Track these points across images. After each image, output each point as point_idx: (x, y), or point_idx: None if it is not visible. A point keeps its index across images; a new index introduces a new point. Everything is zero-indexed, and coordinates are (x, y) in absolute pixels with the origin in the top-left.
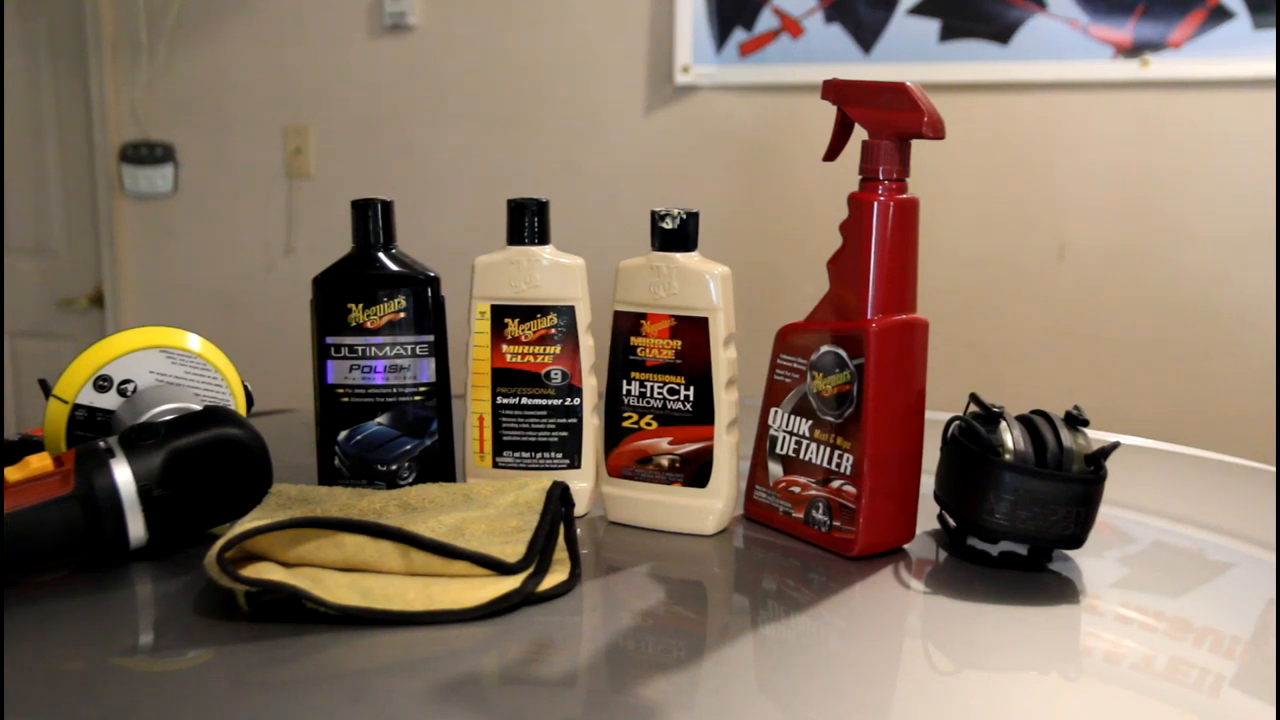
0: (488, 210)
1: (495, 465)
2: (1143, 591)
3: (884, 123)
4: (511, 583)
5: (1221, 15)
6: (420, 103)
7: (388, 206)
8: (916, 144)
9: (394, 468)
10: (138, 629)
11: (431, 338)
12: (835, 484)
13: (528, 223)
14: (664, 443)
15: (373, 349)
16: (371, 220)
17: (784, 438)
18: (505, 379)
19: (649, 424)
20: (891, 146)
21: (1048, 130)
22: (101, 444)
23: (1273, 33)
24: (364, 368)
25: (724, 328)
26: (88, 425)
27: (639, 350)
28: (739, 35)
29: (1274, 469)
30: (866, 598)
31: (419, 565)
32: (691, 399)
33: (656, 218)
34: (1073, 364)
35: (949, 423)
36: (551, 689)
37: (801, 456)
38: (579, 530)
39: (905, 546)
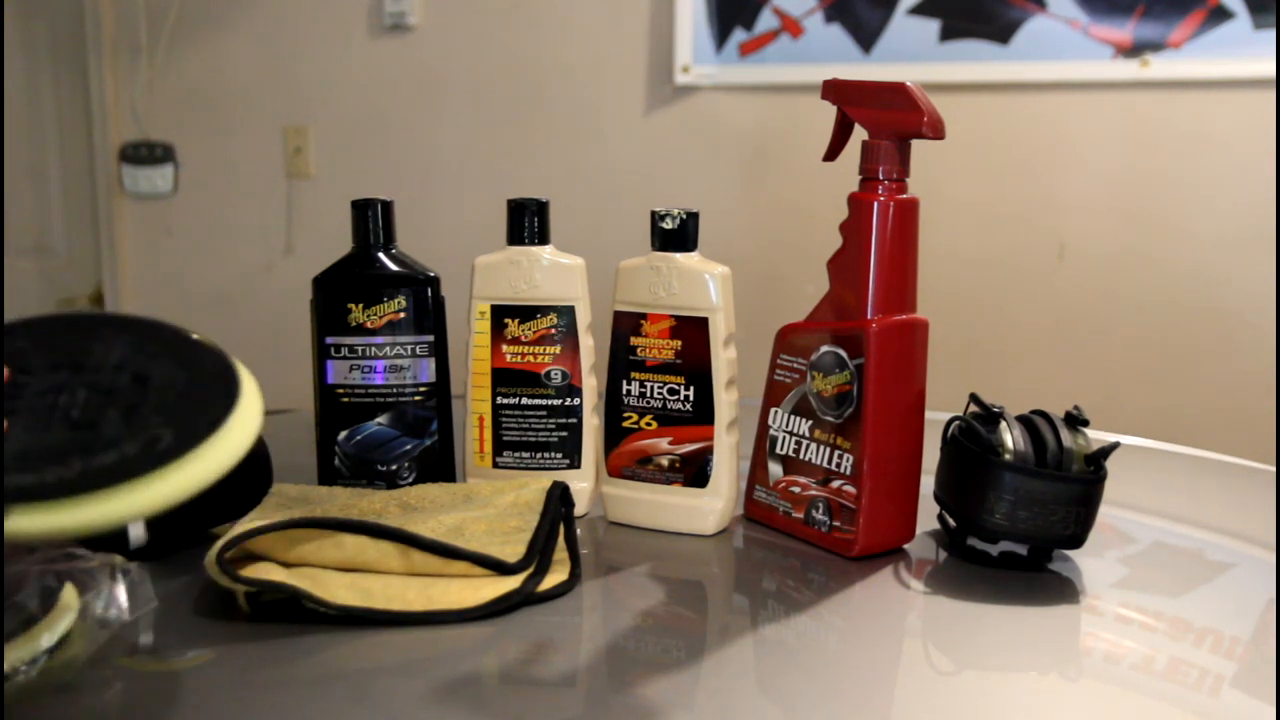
0: (488, 210)
1: (495, 465)
2: (1143, 591)
3: (884, 123)
4: (511, 583)
5: (1221, 15)
6: (420, 103)
7: (388, 206)
8: (916, 144)
9: (394, 468)
10: (138, 629)
11: (431, 338)
12: (835, 484)
13: (528, 223)
14: (664, 443)
15: (373, 349)
16: (371, 220)
17: (784, 438)
18: (505, 379)
19: (649, 424)
20: (891, 146)
21: (1048, 130)
22: None
23: (1273, 33)
24: (364, 368)
25: (724, 328)
26: None
27: (639, 350)
28: (739, 35)
29: (1274, 469)
30: (866, 598)
31: (419, 565)
32: (691, 399)
33: (656, 218)
34: (1073, 364)
35: (949, 423)
36: (551, 689)
37: (801, 456)
38: (579, 530)
39: (905, 546)
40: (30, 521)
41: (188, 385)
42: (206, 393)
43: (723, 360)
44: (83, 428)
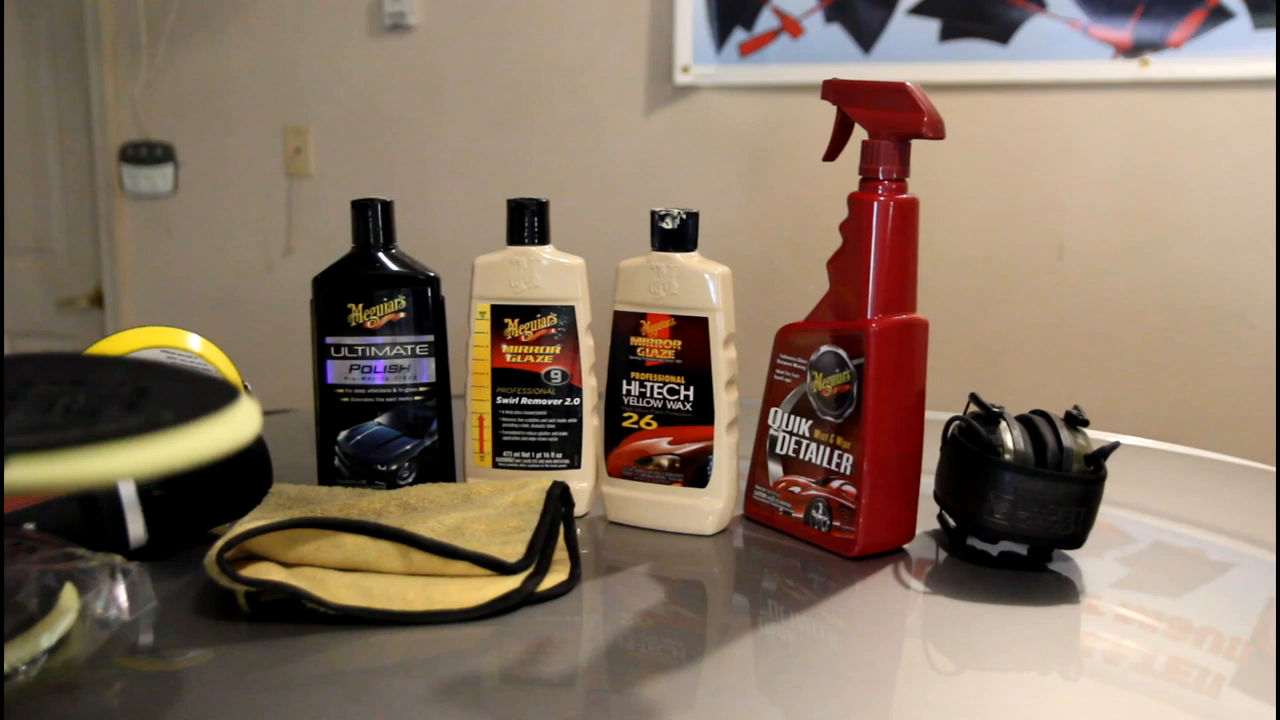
0: (488, 210)
1: (495, 465)
2: (1143, 591)
3: (884, 123)
4: (511, 583)
5: (1221, 15)
6: (420, 103)
7: (388, 206)
8: (916, 144)
9: (394, 468)
10: (138, 629)
11: (431, 338)
12: (835, 484)
13: (527, 223)
14: (664, 443)
15: (373, 349)
16: (371, 220)
17: (784, 438)
18: (505, 379)
19: (649, 424)
20: (891, 146)
21: (1048, 130)
22: None
23: (1273, 33)
24: (364, 368)
25: (724, 328)
26: None
27: (639, 350)
28: (739, 35)
29: (1274, 469)
30: (866, 598)
31: (419, 565)
32: (691, 399)
33: (656, 218)
34: (1073, 364)
35: (949, 423)
36: (551, 689)
37: (801, 456)
38: (579, 530)
39: (905, 546)
40: (27, 471)
41: (189, 392)
42: (207, 396)
43: (723, 360)
44: (84, 414)
